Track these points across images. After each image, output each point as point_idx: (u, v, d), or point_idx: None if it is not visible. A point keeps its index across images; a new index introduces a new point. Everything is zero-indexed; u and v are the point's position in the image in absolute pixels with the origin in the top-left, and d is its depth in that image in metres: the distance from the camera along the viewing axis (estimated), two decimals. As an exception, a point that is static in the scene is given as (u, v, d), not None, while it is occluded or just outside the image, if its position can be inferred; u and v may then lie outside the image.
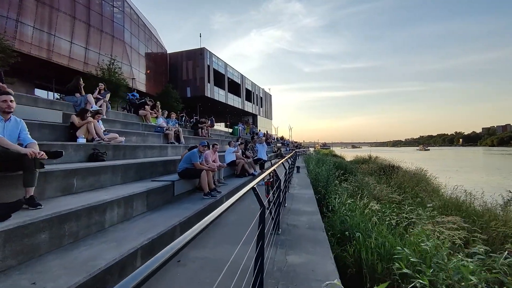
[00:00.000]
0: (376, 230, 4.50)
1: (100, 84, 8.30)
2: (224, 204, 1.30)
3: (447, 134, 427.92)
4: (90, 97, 6.73)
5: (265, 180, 4.41)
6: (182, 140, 9.25)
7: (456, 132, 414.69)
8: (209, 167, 5.65)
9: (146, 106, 9.67)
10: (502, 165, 40.10)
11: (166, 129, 8.66)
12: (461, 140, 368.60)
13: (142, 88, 32.23)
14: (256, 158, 9.62)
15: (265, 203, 2.17)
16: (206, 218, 1.05)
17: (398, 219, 5.37)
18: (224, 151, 8.83)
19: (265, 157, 9.25)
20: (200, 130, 12.50)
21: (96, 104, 7.11)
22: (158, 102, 10.78)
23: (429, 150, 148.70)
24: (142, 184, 4.42)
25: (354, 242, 4.13)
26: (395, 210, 6.40)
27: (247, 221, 3.75)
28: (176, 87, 38.28)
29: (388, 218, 5.34)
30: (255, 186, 1.98)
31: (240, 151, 9.27)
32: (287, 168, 6.41)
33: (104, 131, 5.68)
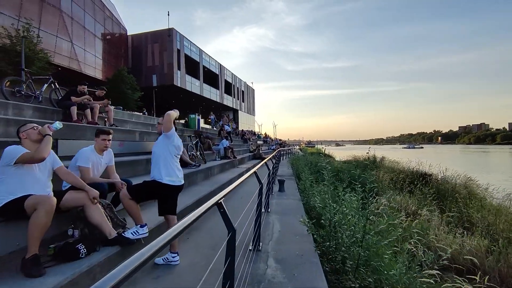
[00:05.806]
0: None
1: None
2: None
3: (426, 133, 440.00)
4: None
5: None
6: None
7: (434, 131, 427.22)
8: None
9: None
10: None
11: None
12: (439, 138, 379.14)
13: (91, 72, 25.54)
14: (149, 181, 2.86)
15: None
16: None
17: None
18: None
19: (176, 179, 2.75)
20: (71, 109, 5.74)
21: None
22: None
23: (422, 148, 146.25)
24: None
25: None
26: None
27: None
28: (140, 74, 31.83)
29: None
30: None
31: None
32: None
33: None
